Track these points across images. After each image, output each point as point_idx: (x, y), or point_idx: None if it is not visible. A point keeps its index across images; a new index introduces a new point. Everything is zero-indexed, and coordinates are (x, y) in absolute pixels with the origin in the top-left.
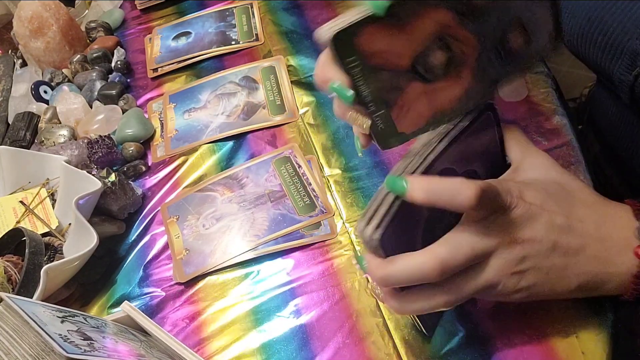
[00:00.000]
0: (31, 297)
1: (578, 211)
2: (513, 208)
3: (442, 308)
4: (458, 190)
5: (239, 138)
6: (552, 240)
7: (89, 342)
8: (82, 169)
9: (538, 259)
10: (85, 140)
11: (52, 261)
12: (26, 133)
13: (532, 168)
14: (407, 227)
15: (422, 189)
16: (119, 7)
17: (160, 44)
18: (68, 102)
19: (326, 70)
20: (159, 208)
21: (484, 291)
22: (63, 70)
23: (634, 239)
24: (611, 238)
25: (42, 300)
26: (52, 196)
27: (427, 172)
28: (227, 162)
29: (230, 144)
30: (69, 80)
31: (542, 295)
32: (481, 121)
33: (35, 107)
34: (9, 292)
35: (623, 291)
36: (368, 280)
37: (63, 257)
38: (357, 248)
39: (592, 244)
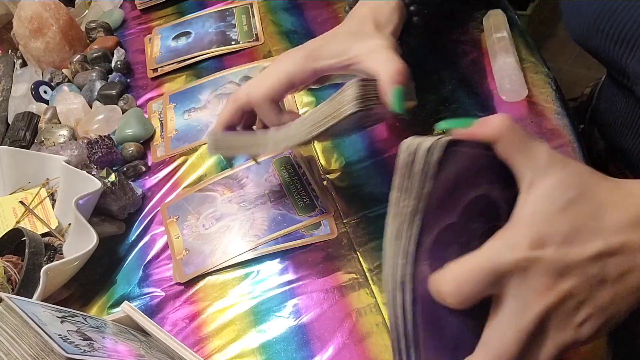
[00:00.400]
0: (31, 298)
1: (612, 220)
2: (537, 267)
3: None
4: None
5: None
6: (597, 274)
7: (88, 342)
8: (82, 169)
9: (591, 301)
10: (85, 141)
11: (52, 261)
12: (26, 133)
13: (543, 199)
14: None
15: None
16: (119, 7)
17: (160, 44)
18: (68, 102)
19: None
20: (159, 208)
21: (560, 354)
22: (63, 70)
23: None
24: None
25: (42, 301)
26: (52, 196)
27: (419, 248)
28: (226, 162)
29: None
30: (69, 80)
31: (615, 318)
32: (448, 161)
33: (35, 107)
34: (9, 292)
35: None
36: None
37: (63, 257)
38: (357, 248)
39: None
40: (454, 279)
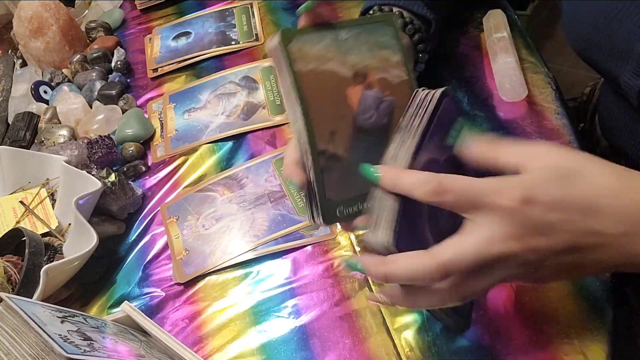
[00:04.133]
0: (31, 297)
1: (600, 202)
2: (522, 213)
3: (452, 304)
4: (416, 184)
5: (238, 138)
6: (569, 242)
7: (88, 342)
8: (82, 169)
9: (552, 260)
10: (85, 140)
11: (52, 261)
12: (26, 133)
13: (539, 168)
14: (413, 224)
15: (390, 178)
16: (119, 7)
17: (160, 44)
18: (68, 102)
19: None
20: (159, 208)
21: (497, 286)
22: (63, 70)
23: None
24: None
25: (42, 301)
26: (52, 196)
27: (411, 166)
28: (227, 162)
29: (230, 144)
30: (69, 80)
31: (560, 280)
32: (443, 108)
33: (35, 107)
34: (9, 292)
35: None
36: (370, 288)
37: (63, 257)
38: (357, 249)
39: (614, 240)
40: (442, 182)
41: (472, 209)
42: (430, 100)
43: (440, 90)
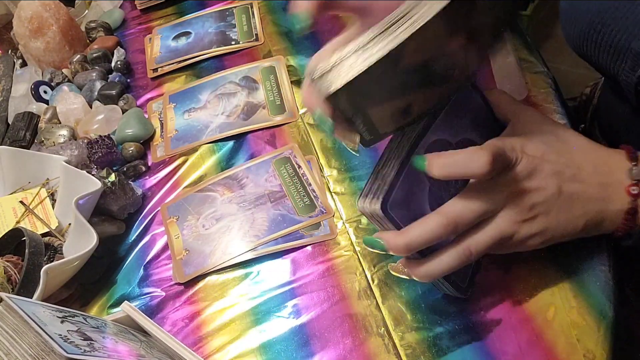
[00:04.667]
0: (31, 297)
1: (576, 158)
2: (518, 162)
3: (465, 263)
4: (471, 160)
5: (239, 138)
6: (557, 186)
7: (89, 342)
8: (82, 169)
9: (546, 205)
10: (85, 140)
11: (52, 261)
12: (26, 133)
13: (527, 123)
14: (412, 197)
15: (438, 165)
16: (119, 7)
17: (160, 44)
18: (68, 102)
19: (309, 98)
20: (159, 208)
21: (500, 243)
22: (63, 70)
23: (626, 179)
24: (607, 179)
25: (42, 300)
26: (52, 196)
27: (416, 146)
28: (227, 162)
29: (230, 144)
30: (69, 80)
31: (554, 238)
32: (461, 92)
33: (35, 107)
34: (9, 292)
35: (617, 227)
36: (389, 258)
37: (63, 257)
38: (357, 249)
39: (591, 187)
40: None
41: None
42: None
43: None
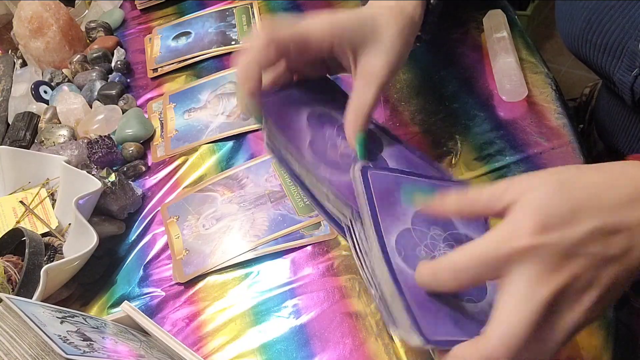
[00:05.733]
0: (31, 297)
1: (609, 198)
2: (545, 245)
3: None
4: (424, 281)
5: (239, 138)
6: (598, 252)
7: (88, 342)
8: (82, 169)
9: (597, 280)
10: (85, 140)
11: (52, 261)
12: (26, 133)
13: (538, 188)
14: (434, 304)
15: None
16: (119, 7)
17: (160, 44)
18: (68, 102)
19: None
20: (159, 208)
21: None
22: (63, 70)
23: None
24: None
25: (42, 301)
26: (52, 196)
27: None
28: (227, 162)
29: (230, 144)
30: (69, 80)
31: (620, 296)
32: (373, 182)
33: (35, 107)
34: (9, 293)
35: None
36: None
37: (63, 257)
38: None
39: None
40: (452, 267)
41: (494, 272)
42: (356, 181)
43: (358, 168)
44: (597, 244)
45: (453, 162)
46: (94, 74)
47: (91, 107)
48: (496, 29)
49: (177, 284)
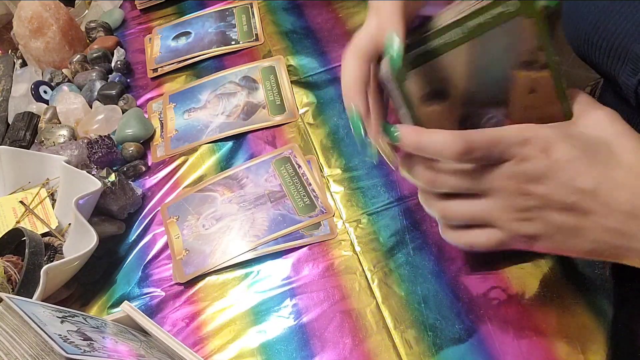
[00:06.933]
0: (31, 297)
1: (616, 176)
2: (529, 160)
3: (439, 218)
4: (440, 148)
5: (238, 138)
6: (569, 200)
7: (88, 342)
8: (82, 169)
9: (546, 213)
10: (85, 140)
11: (52, 261)
12: (26, 133)
13: (586, 125)
14: None
15: (412, 141)
16: (119, 7)
17: (160, 44)
18: (68, 102)
19: (351, 94)
20: (159, 208)
21: (482, 221)
22: (63, 70)
23: None
24: None
25: (42, 300)
26: (52, 196)
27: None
28: (227, 162)
29: (230, 144)
30: (69, 80)
31: (551, 248)
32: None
33: (35, 107)
34: (9, 292)
35: None
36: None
37: (63, 257)
38: (358, 249)
39: (616, 215)
40: (471, 142)
41: (501, 159)
42: None
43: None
44: (570, 196)
45: None
46: (94, 74)
47: (91, 107)
48: None
49: (177, 284)
